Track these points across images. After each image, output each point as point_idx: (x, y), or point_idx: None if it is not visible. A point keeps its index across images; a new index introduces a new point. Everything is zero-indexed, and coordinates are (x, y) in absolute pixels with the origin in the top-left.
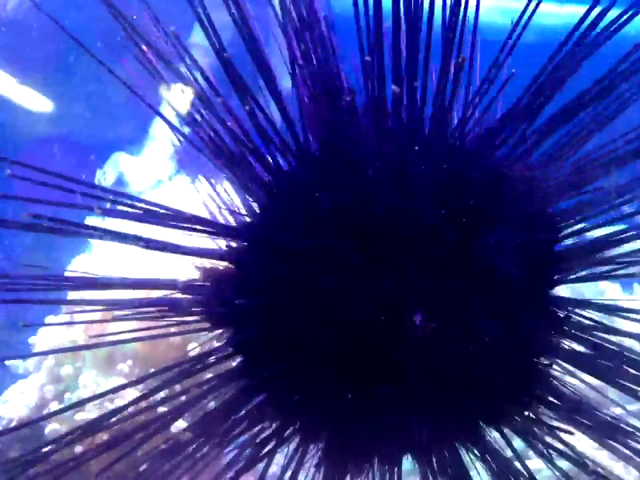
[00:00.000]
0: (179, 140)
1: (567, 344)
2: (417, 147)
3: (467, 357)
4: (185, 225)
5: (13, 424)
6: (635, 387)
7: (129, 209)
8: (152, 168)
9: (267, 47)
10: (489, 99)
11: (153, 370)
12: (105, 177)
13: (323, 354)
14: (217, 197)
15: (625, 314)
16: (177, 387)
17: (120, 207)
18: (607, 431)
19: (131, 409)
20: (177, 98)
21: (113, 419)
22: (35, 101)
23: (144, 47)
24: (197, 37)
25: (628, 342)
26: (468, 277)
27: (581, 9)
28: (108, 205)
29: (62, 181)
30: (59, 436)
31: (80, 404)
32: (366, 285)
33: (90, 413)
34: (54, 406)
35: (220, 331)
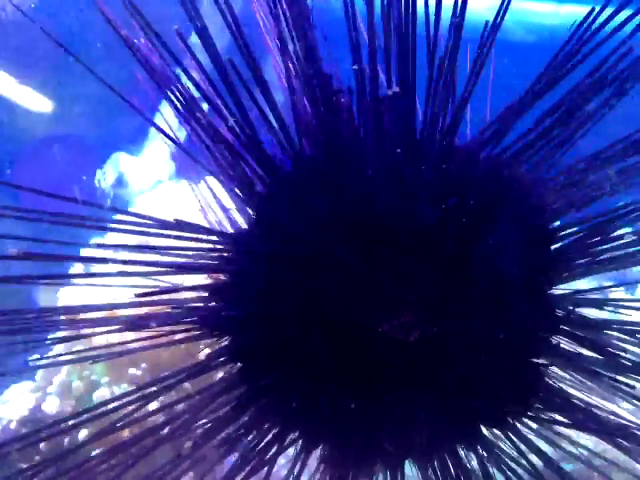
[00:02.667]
0: (176, 143)
1: (567, 344)
2: (414, 148)
3: (468, 359)
4: (181, 235)
5: (13, 425)
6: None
7: (124, 219)
8: (152, 168)
9: (266, 47)
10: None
11: (152, 373)
12: (105, 176)
13: (322, 360)
14: (213, 205)
15: (626, 313)
16: (177, 396)
17: (114, 218)
18: (607, 430)
19: (130, 417)
20: (175, 99)
21: (111, 427)
22: (35, 101)
23: (145, 47)
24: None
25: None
26: (467, 279)
27: (581, 9)
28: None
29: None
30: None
31: (89, 410)
32: (364, 290)
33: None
34: (53, 407)
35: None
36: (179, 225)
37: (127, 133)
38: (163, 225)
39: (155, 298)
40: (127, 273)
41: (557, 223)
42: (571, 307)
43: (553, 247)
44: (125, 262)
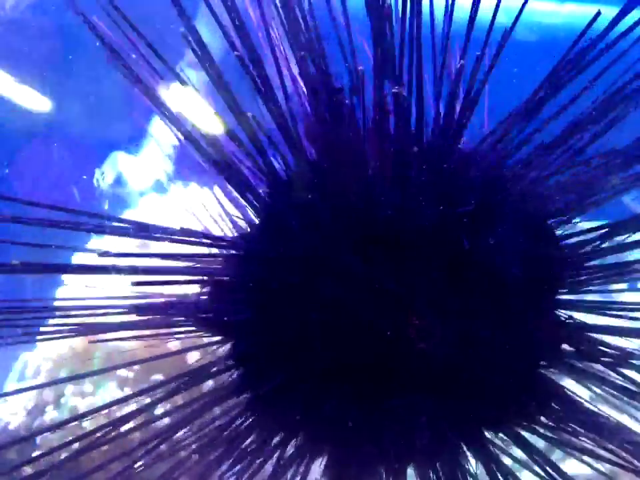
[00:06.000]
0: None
1: (571, 349)
2: (417, 150)
3: (471, 363)
4: (183, 239)
5: (11, 426)
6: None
7: (123, 224)
8: (150, 167)
9: (264, 46)
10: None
11: (150, 374)
12: (104, 176)
13: (324, 364)
14: (214, 207)
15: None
16: (176, 400)
17: (113, 223)
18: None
19: (128, 422)
20: (176, 101)
21: (111, 432)
22: (34, 101)
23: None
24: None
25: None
26: (471, 283)
27: (582, 8)
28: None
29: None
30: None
31: (82, 416)
32: (366, 294)
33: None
34: (51, 409)
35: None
36: (180, 228)
37: (125, 132)
38: (164, 228)
39: (154, 300)
40: (125, 273)
41: (564, 227)
42: (577, 312)
43: (560, 250)
44: (124, 269)
